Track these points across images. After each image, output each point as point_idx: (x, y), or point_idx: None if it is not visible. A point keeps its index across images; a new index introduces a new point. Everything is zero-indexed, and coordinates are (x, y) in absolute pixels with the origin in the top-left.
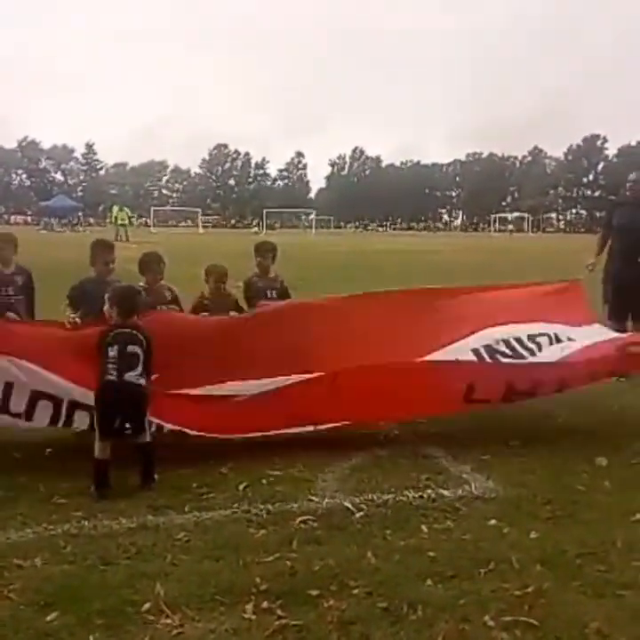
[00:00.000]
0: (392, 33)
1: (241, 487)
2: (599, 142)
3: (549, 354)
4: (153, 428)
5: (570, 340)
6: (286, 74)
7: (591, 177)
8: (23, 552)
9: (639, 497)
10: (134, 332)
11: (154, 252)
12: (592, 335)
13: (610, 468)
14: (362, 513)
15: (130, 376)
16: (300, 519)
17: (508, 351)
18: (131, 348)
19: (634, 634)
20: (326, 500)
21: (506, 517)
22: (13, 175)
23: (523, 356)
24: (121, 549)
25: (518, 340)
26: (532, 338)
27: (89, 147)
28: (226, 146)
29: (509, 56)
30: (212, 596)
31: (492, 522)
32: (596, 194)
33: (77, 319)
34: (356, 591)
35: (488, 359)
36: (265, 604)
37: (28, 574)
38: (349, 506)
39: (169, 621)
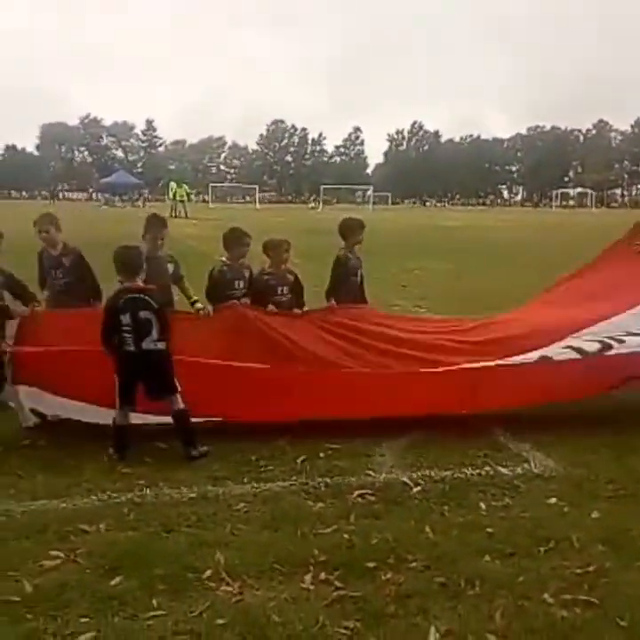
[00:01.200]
0: (451, 3)
1: (299, 460)
2: None
3: None
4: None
5: None
6: (344, 48)
7: None
8: (88, 518)
9: None
10: (144, 296)
11: (239, 228)
12: None
13: None
14: (419, 488)
15: (148, 343)
16: (357, 493)
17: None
18: (143, 313)
19: None
20: (384, 475)
21: (566, 496)
22: (76, 152)
23: None
24: (182, 518)
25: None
26: None
27: (149, 123)
28: (283, 122)
29: (573, 25)
30: (270, 565)
31: (552, 500)
32: None
33: None
34: (413, 565)
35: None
36: (323, 575)
37: (93, 539)
38: (407, 481)
39: (229, 588)
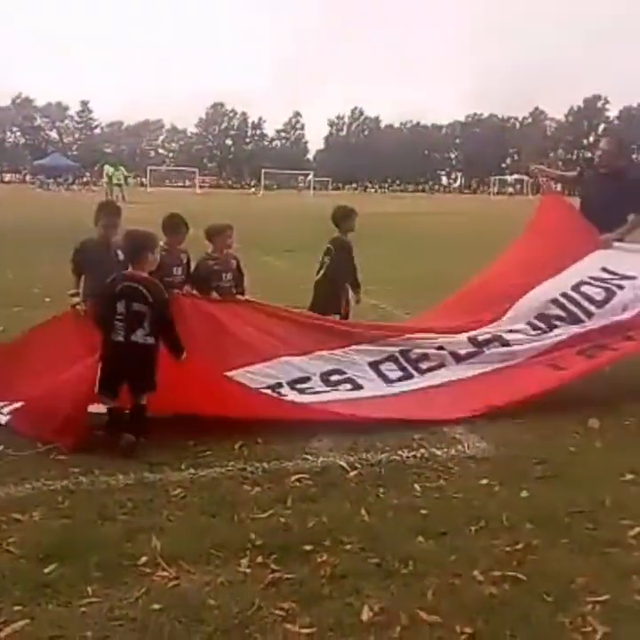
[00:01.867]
0: None
1: (237, 446)
2: (600, 103)
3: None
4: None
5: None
6: (284, 31)
7: (591, 139)
8: (22, 506)
9: (629, 457)
10: (140, 287)
11: (178, 214)
12: None
13: (602, 429)
14: (356, 471)
15: (136, 336)
16: (294, 477)
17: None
18: (136, 305)
19: (619, 589)
20: (321, 459)
21: (497, 477)
22: (8, 133)
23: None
24: (118, 505)
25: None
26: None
27: (84, 104)
28: (222, 105)
29: (510, 15)
30: (207, 550)
31: (484, 481)
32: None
33: (79, 306)
34: (348, 547)
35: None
36: (259, 559)
37: (26, 528)
38: (344, 464)
39: (165, 574)
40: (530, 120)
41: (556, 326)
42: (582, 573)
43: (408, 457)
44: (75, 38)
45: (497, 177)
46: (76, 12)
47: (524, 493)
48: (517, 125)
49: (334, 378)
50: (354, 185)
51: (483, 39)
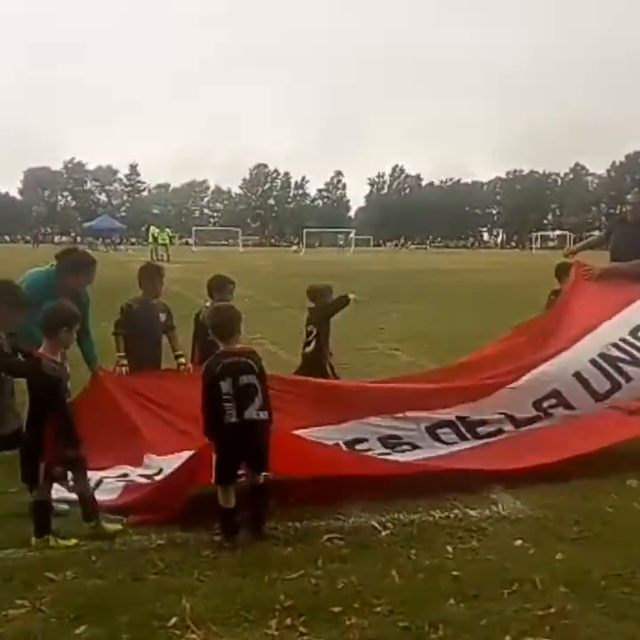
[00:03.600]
0: (433, 48)
1: (269, 505)
2: None
3: None
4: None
5: None
6: (325, 92)
7: None
8: (55, 566)
9: None
10: (245, 359)
11: (223, 274)
12: None
13: None
14: (388, 531)
15: (250, 413)
16: (326, 537)
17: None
18: (244, 378)
19: None
20: (353, 519)
21: (532, 538)
22: (59, 196)
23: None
24: (150, 565)
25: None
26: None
27: (132, 168)
28: (265, 165)
29: (549, 71)
30: (236, 611)
31: (518, 542)
32: None
33: (124, 368)
34: (378, 609)
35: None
36: (288, 621)
37: (59, 588)
38: (375, 524)
39: (194, 636)
40: (571, 176)
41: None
42: (617, 639)
43: (441, 517)
44: (124, 102)
45: (539, 233)
46: (125, 77)
47: (559, 555)
48: (559, 181)
49: (392, 441)
50: (395, 242)
51: (523, 94)
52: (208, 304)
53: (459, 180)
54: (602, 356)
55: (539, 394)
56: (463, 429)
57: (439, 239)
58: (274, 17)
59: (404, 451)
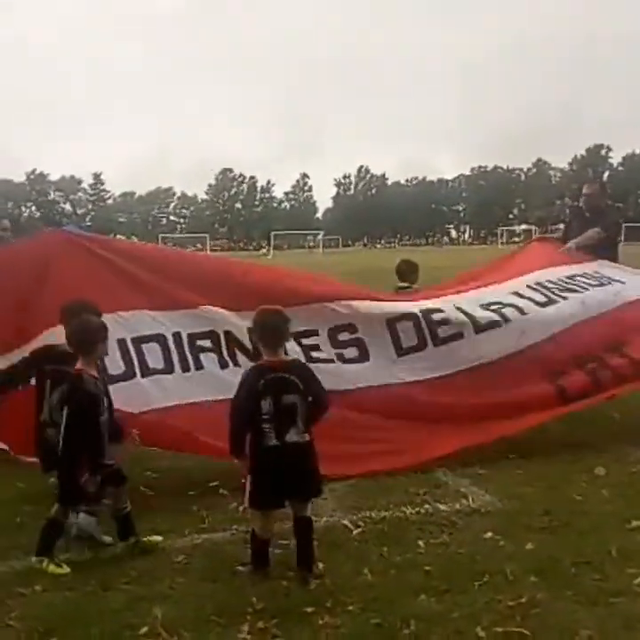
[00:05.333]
0: (394, 48)
1: (240, 508)
2: (603, 151)
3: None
4: None
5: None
6: (288, 95)
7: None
8: (25, 580)
9: (636, 505)
10: (287, 376)
11: None
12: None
13: (608, 476)
14: (359, 530)
15: (292, 436)
16: None
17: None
18: (287, 398)
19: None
20: (325, 519)
21: (502, 530)
22: (23, 208)
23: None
24: (121, 574)
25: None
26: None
27: (96, 177)
28: (231, 170)
29: (510, 68)
30: (208, 617)
31: (488, 534)
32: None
33: None
34: (350, 608)
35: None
36: (260, 624)
37: (29, 602)
38: (347, 523)
39: None
40: (534, 170)
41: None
42: (587, 625)
43: (412, 513)
44: (86, 111)
45: (505, 228)
46: (84, 88)
47: (529, 545)
48: (522, 176)
49: (342, 338)
50: (363, 242)
51: (484, 92)
52: None
53: (424, 179)
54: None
55: (485, 300)
56: (424, 324)
57: (407, 237)
58: (234, 18)
59: (350, 360)
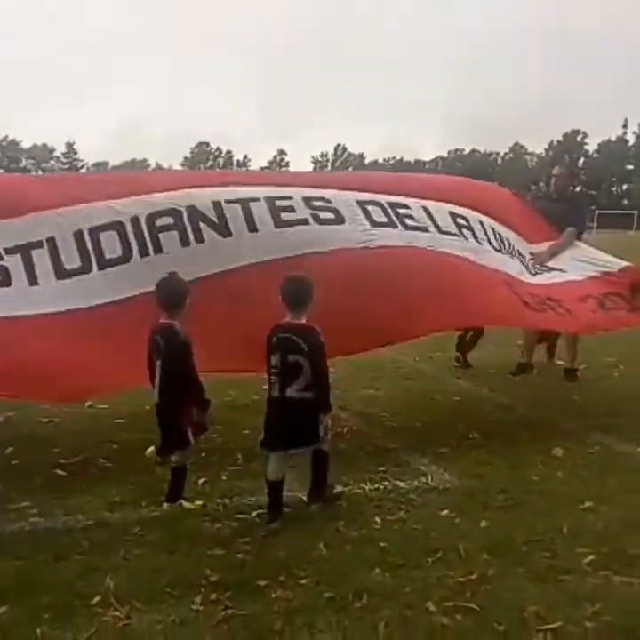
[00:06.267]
0: (375, 32)
1: (200, 482)
2: (579, 137)
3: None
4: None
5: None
6: (269, 71)
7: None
8: None
9: (590, 485)
10: (295, 337)
11: None
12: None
13: (565, 458)
14: (318, 505)
15: (292, 391)
16: (255, 512)
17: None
18: (291, 357)
19: (570, 616)
20: (284, 494)
21: (458, 507)
22: None
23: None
24: (75, 545)
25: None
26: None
27: (69, 146)
28: (207, 144)
29: (491, 55)
30: (162, 588)
31: (445, 512)
32: (577, 189)
33: None
34: (304, 581)
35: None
36: (213, 596)
37: None
38: (305, 498)
39: (117, 613)
40: (511, 155)
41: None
42: (535, 602)
43: (371, 489)
44: (60, 79)
45: None
46: (61, 52)
47: (484, 523)
48: (499, 160)
49: (318, 203)
50: None
51: (465, 76)
52: None
53: (401, 159)
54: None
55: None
56: (391, 212)
57: None
58: None
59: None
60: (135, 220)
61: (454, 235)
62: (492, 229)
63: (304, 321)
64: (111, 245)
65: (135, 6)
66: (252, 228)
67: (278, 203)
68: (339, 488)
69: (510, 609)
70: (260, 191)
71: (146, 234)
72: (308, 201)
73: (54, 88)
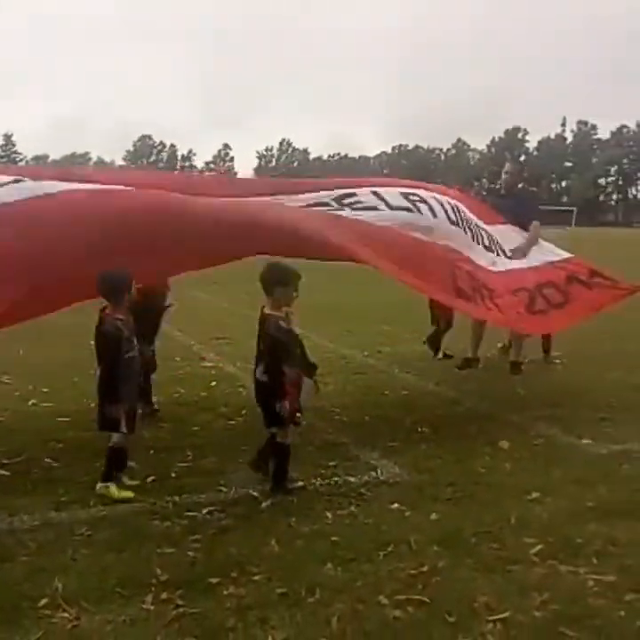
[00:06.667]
0: (322, 30)
1: (149, 480)
2: (520, 134)
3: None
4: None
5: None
6: (213, 64)
7: None
8: None
9: (536, 476)
10: (262, 325)
11: None
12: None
13: (511, 450)
14: (269, 501)
15: (257, 373)
16: (206, 510)
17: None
18: (260, 342)
19: (519, 606)
20: (234, 491)
21: (408, 501)
22: None
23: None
24: (20, 546)
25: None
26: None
27: (7, 138)
28: (150, 137)
29: (435, 53)
30: (111, 588)
31: (395, 505)
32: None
33: None
34: (256, 578)
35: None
36: (164, 595)
37: None
38: (257, 495)
39: (65, 615)
40: (454, 151)
41: None
42: (485, 592)
43: (322, 484)
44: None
45: None
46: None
47: (434, 516)
48: (442, 156)
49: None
50: None
51: (409, 72)
52: None
53: (346, 155)
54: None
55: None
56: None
57: None
58: None
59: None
60: None
61: (406, 210)
62: (449, 203)
63: (270, 310)
64: None
65: None
66: None
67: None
68: (299, 483)
69: (461, 600)
70: None
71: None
72: None
73: None
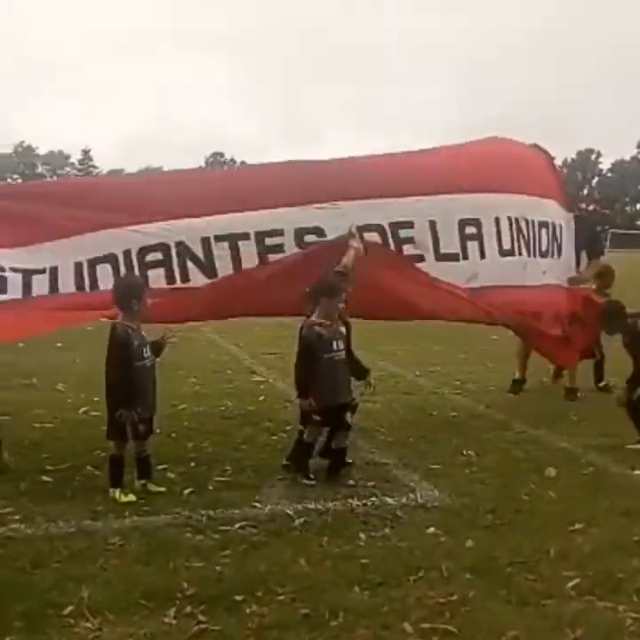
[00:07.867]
0: (382, 45)
1: (186, 492)
2: (593, 156)
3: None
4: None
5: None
6: (286, 82)
7: (586, 191)
8: None
9: (581, 506)
10: (301, 328)
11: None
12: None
13: (558, 478)
14: (302, 519)
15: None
16: (238, 525)
17: None
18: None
19: None
20: (269, 507)
21: (445, 526)
22: (9, 180)
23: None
24: (54, 553)
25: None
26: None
27: (85, 153)
28: (222, 154)
29: (506, 69)
30: (136, 600)
31: (431, 530)
32: (590, 208)
33: None
34: (281, 597)
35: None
36: (188, 609)
37: None
38: (290, 512)
39: (88, 625)
40: None
41: None
42: (515, 626)
43: (357, 505)
44: (77, 85)
45: None
46: (78, 59)
47: (469, 543)
48: None
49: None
50: None
51: (475, 89)
52: None
53: None
54: None
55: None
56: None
57: None
58: None
59: None
60: None
61: (452, 259)
62: (508, 218)
63: (313, 317)
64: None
65: (156, 11)
66: None
67: None
68: (313, 482)
69: (489, 633)
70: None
71: None
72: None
73: (72, 94)
